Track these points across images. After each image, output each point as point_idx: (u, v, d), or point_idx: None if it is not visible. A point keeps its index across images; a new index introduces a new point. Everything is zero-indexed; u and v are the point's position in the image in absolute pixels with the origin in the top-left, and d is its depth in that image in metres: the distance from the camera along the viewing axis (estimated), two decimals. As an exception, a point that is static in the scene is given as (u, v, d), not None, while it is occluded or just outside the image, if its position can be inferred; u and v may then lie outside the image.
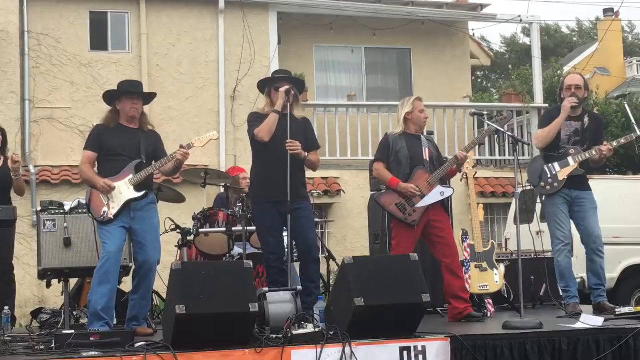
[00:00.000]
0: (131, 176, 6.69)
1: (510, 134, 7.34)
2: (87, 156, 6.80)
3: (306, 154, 6.90)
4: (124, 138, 6.76)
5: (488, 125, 7.29)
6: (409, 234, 7.19)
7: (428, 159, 7.36)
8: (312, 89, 15.69)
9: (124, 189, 6.66)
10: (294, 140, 6.76)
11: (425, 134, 7.61)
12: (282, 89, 6.84)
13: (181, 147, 6.72)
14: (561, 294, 7.63)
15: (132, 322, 6.72)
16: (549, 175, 7.46)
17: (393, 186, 7.24)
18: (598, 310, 7.32)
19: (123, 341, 5.60)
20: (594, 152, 7.44)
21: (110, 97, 6.92)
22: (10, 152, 8.28)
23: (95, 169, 6.86)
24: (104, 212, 6.62)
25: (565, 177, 7.41)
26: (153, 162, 6.79)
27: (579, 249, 7.76)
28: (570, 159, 7.45)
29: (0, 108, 13.06)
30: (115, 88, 6.96)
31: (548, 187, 7.48)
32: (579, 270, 7.74)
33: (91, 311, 6.54)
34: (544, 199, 7.58)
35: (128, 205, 6.66)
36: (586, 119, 7.57)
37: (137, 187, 6.69)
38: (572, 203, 7.48)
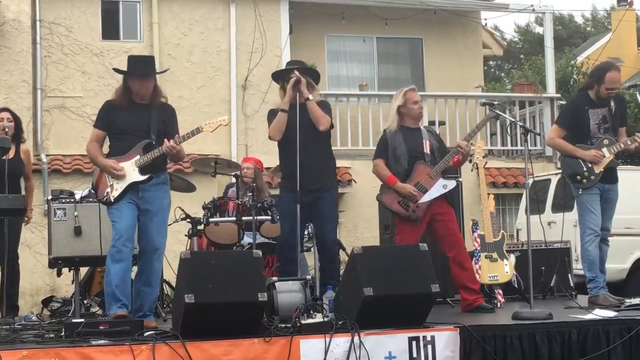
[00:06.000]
0: (138, 157, 6.45)
1: (521, 124, 7.30)
2: (95, 134, 6.59)
3: (309, 95, 6.87)
4: (133, 117, 6.49)
5: (490, 110, 7.19)
6: (412, 229, 7.12)
7: (429, 152, 7.24)
8: (324, 79, 15.62)
9: (129, 171, 6.42)
10: (307, 130, 6.76)
11: (437, 124, 7.52)
12: (290, 83, 6.83)
13: (178, 136, 6.44)
14: (587, 284, 7.47)
15: (137, 314, 6.38)
16: (585, 169, 7.34)
17: (390, 185, 7.17)
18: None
19: (132, 330, 5.59)
20: (629, 142, 7.35)
21: (121, 72, 6.66)
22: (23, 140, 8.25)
23: (107, 146, 6.65)
24: (107, 193, 6.43)
25: (602, 170, 7.31)
26: (165, 141, 6.42)
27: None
28: (605, 150, 7.35)
29: (12, 97, 13.08)
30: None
31: (585, 181, 7.35)
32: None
33: (107, 292, 6.32)
34: (580, 192, 7.42)
35: (132, 187, 6.42)
36: (612, 104, 7.44)
37: (142, 170, 6.43)
38: (602, 194, 7.42)
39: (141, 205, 6.45)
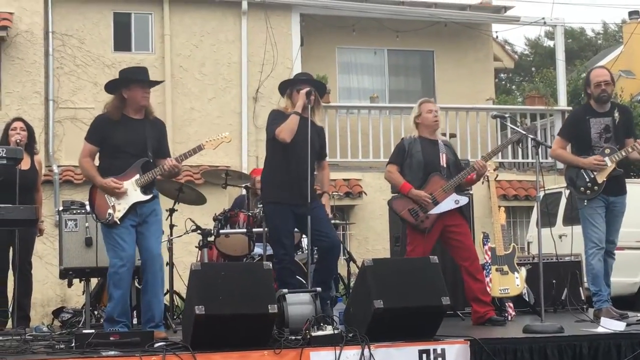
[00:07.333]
0: (138, 176, 6.39)
1: (532, 136, 7.28)
2: (89, 149, 6.46)
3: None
4: (129, 133, 6.39)
5: (512, 130, 7.18)
6: (424, 240, 7.12)
7: (445, 165, 7.28)
8: (335, 91, 15.69)
9: (131, 190, 6.36)
10: (312, 144, 6.75)
11: (447, 137, 7.53)
12: (303, 91, 6.84)
13: (178, 157, 6.47)
14: (592, 297, 7.48)
15: (149, 324, 6.40)
16: (587, 180, 7.32)
17: (404, 192, 7.18)
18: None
19: (142, 341, 5.59)
20: (630, 150, 7.31)
21: (114, 85, 6.52)
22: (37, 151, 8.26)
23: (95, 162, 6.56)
24: (109, 214, 6.33)
25: (605, 179, 7.29)
26: (167, 161, 6.44)
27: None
28: (607, 159, 7.32)
29: (25, 108, 13.13)
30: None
31: (589, 192, 7.33)
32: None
33: (108, 316, 6.39)
34: (585, 203, 7.40)
35: (134, 207, 6.39)
36: (616, 114, 7.40)
37: (144, 189, 6.41)
38: (607, 207, 7.39)
39: (140, 220, 6.44)
